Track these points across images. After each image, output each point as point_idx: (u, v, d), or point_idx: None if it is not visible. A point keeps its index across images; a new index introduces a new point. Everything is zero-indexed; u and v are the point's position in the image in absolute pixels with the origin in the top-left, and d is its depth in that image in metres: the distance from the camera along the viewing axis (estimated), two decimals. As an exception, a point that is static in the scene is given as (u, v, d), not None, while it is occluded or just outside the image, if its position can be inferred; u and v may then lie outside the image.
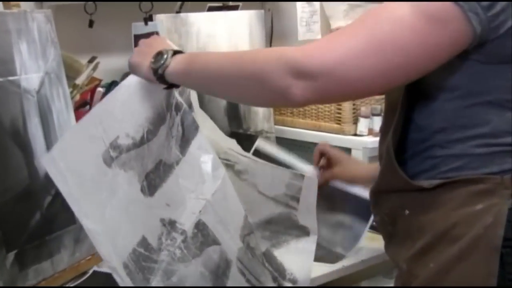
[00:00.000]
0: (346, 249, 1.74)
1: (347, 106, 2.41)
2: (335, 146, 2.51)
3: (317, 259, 1.68)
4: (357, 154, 2.45)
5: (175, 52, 1.39)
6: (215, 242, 1.46)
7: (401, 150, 1.33)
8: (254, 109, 2.42)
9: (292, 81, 1.18)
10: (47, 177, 1.58)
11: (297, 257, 1.63)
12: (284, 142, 2.58)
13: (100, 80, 2.19)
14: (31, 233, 1.54)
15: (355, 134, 2.42)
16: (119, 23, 2.23)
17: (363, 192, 1.76)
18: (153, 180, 1.43)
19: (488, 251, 1.20)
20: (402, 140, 1.33)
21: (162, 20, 2.15)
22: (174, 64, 1.37)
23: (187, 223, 1.43)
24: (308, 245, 1.64)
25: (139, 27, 2.14)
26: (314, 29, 2.61)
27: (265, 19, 2.45)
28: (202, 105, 2.24)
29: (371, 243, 1.81)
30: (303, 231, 1.66)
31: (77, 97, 2.05)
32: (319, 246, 1.70)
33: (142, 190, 1.41)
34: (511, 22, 1.16)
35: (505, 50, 1.18)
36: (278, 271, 1.59)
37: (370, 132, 2.42)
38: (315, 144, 2.51)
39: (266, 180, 1.69)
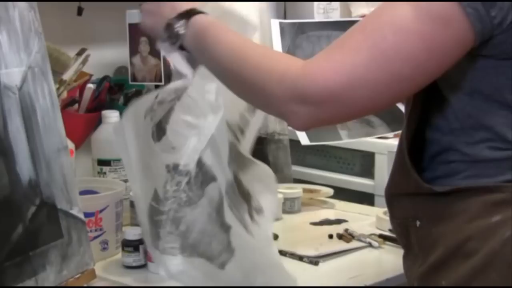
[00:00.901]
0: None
1: (370, 104, 2.41)
2: (357, 150, 2.53)
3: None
4: (381, 159, 2.45)
5: (186, 15, 1.43)
6: (213, 178, 1.50)
7: (417, 150, 1.34)
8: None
9: (294, 106, 1.23)
10: (30, 185, 1.59)
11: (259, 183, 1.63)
12: (299, 146, 2.58)
13: (91, 75, 2.20)
14: (12, 248, 1.53)
15: (380, 137, 2.41)
16: (112, 10, 2.23)
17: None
18: (160, 123, 1.50)
19: (505, 269, 1.20)
20: (418, 140, 1.35)
21: (161, 8, 2.15)
22: (186, 39, 1.43)
23: (190, 163, 1.48)
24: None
25: (134, 15, 2.14)
26: (333, 17, 2.61)
27: (277, 8, 2.45)
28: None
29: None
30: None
31: (65, 94, 2.06)
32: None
33: (152, 136, 1.49)
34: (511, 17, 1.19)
35: (508, 45, 1.22)
36: (248, 200, 1.60)
37: (396, 135, 2.41)
38: (333, 148, 2.52)
39: None
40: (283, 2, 2.72)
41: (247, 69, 1.31)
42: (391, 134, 2.37)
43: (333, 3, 2.61)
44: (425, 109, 1.34)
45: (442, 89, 1.31)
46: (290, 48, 1.66)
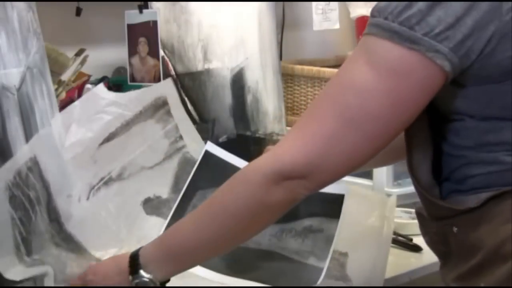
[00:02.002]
0: (320, 259, 1.71)
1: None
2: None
3: (291, 281, 1.66)
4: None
5: (134, 267, 1.38)
6: None
7: (437, 170, 1.34)
8: (264, 109, 2.42)
9: (279, 188, 1.25)
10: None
11: None
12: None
13: (89, 76, 2.20)
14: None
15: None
16: (110, 11, 2.24)
17: (328, 188, 1.76)
18: None
19: None
20: (435, 160, 1.34)
21: (159, 8, 2.15)
22: (159, 275, 1.37)
23: None
24: None
25: (133, 16, 2.14)
26: (331, 17, 2.61)
27: (275, 7, 2.45)
28: (204, 103, 2.25)
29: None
30: None
31: (63, 94, 2.05)
32: (287, 261, 1.69)
33: None
34: (482, 45, 1.19)
35: (488, 71, 1.21)
36: None
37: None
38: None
39: None
40: (281, 2, 2.72)
41: (219, 212, 1.31)
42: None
43: (331, 3, 2.62)
44: (436, 126, 1.33)
45: (450, 115, 1.30)
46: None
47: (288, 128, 2.53)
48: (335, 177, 1.28)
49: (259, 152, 2.33)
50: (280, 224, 1.74)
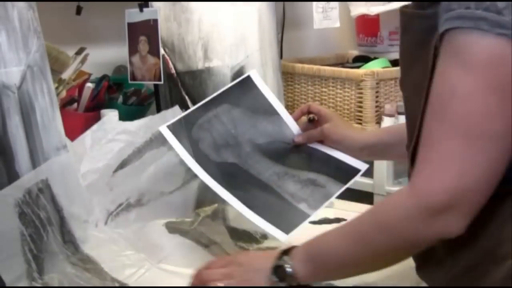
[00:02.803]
0: (311, 207, 1.70)
1: (369, 103, 2.41)
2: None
3: (274, 215, 1.64)
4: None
5: (283, 253, 1.39)
6: None
7: None
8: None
9: (430, 225, 1.21)
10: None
11: None
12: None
13: (90, 75, 2.20)
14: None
15: (379, 135, 2.41)
16: (111, 9, 2.24)
17: (349, 159, 1.76)
18: None
19: None
20: None
21: (160, 7, 2.16)
22: (300, 271, 1.37)
23: None
24: None
25: (133, 15, 2.14)
26: (331, 16, 2.62)
27: (276, 6, 2.46)
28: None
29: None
30: None
31: (63, 93, 2.06)
32: (279, 198, 1.69)
33: None
34: None
35: None
36: None
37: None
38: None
39: None
40: (282, 2, 2.73)
41: (375, 240, 1.28)
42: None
43: (331, 2, 2.62)
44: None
45: None
46: (192, 146, 1.69)
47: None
48: (483, 192, 1.21)
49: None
50: (287, 168, 1.75)
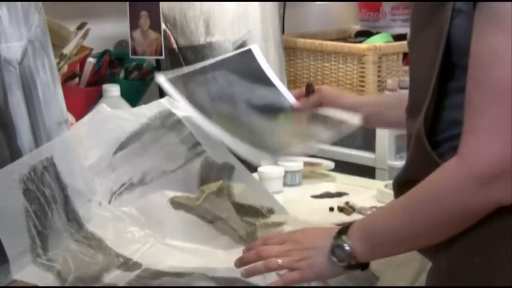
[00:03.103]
0: (321, 141, 1.70)
1: (371, 78, 2.41)
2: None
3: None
4: (383, 132, 2.45)
5: (340, 232, 1.35)
6: None
7: (433, 132, 1.32)
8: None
9: (482, 193, 1.20)
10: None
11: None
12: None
13: (91, 50, 2.20)
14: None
15: (381, 110, 2.42)
16: (112, -16, 2.24)
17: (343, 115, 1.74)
18: None
19: None
20: (434, 120, 1.31)
21: (161, -18, 2.15)
22: (359, 250, 1.33)
23: None
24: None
25: (134, -11, 2.14)
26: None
27: (278, 8, 2.45)
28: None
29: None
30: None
31: (65, 68, 2.06)
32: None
33: None
34: None
35: None
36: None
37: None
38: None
39: None
40: (283, 2, 2.71)
41: (430, 219, 1.27)
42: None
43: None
44: (441, 92, 1.31)
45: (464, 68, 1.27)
46: (188, 98, 1.69)
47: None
48: None
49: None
50: None
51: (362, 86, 2.42)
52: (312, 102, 1.78)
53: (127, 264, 1.58)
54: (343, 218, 1.91)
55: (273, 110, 1.77)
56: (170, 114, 1.80)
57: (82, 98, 2.18)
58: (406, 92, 1.41)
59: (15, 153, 1.56)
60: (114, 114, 1.81)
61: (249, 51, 1.85)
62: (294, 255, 1.37)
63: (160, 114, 1.81)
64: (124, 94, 2.17)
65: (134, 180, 1.76)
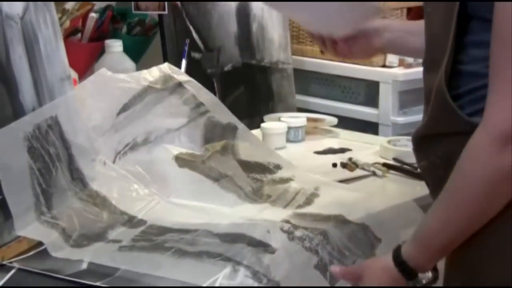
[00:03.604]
0: None
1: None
2: (361, 79, 2.52)
3: None
4: (386, 88, 2.44)
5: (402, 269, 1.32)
6: None
7: (452, 86, 1.31)
8: (269, 36, 2.40)
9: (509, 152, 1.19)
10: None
11: None
12: (303, 75, 2.57)
13: (93, 5, 2.19)
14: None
15: (384, 66, 2.40)
16: None
17: None
18: None
19: None
20: (452, 74, 1.30)
21: None
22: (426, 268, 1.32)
23: None
24: None
25: None
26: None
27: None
28: (209, 32, 2.23)
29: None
30: None
31: (67, 23, 2.05)
32: None
33: None
34: None
35: None
36: None
37: (401, 63, 2.40)
38: (337, 76, 2.52)
39: None
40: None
41: (470, 200, 1.25)
42: (396, 62, 2.37)
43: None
44: (460, 43, 1.29)
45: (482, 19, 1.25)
46: None
47: (294, 57, 2.52)
48: None
49: (264, 81, 2.33)
50: None
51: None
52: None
53: (132, 222, 1.58)
54: (347, 174, 1.91)
55: None
56: (171, 78, 1.80)
57: (85, 53, 2.17)
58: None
59: (17, 109, 1.56)
60: (115, 77, 1.80)
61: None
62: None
63: (161, 78, 1.81)
64: (127, 50, 2.16)
65: (138, 140, 1.76)
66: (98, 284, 1.35)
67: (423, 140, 1.36)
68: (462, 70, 1.29)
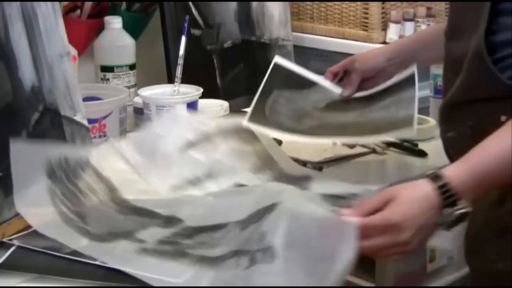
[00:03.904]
0: (408, 110, 1.65)
1: (375, 10, 2.38)
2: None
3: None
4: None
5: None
6: None
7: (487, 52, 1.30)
8: (269, 13, 2.39)
9: None
10: (33, 91, 1.58)
11: None
12: (303, 51, 2.56)
13: (92, -19, 2.17)
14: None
15: (384, 42, 2.39)
16: None
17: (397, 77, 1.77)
18: None
19: None
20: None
21: None
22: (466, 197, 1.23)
23: None
24: None
25: None
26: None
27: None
28: (209, 8, 2.22)
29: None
30: None
31: (66, -1, 2.04)
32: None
33: None
34: None
35: None
36: None
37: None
38: (337, 53, 2.51)
39: None
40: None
41: None
42: (396, 39, 2.36)
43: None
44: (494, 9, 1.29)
45: None
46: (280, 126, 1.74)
47: (294, 33, 2.51)
48: None
49: (264, 58, 2.32)
50: (363, 109, 1.79)
51: (366, 18, 2.39)
52: (355, 82, 1.81)
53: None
54: (347, 151, 1.91)
55: (341, 103, 1.84)
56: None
57: (84, 30, 2.16)
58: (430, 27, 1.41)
59: (16, 86, 1.55)
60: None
61: (275, 64, 1.88)
62: (404, 247, 1.23)
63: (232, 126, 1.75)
64: (126, 26, 2.15)
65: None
66: (98, 263, 1.34)
67: (453, 108, 1.35)
68: (493, 39, 1.28)
